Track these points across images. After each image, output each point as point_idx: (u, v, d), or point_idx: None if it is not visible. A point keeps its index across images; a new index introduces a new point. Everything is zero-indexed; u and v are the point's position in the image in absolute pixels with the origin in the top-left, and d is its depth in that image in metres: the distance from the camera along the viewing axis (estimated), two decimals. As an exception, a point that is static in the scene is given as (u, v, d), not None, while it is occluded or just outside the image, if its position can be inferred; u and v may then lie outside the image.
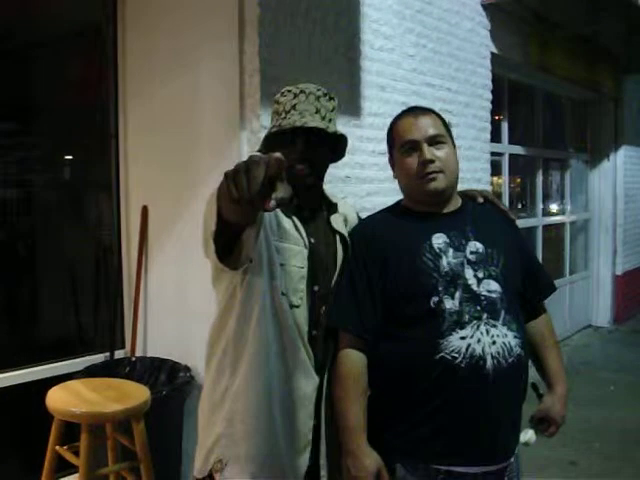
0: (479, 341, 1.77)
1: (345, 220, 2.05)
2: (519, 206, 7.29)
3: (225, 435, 1.85)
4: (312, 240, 1.91)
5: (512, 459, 1.91)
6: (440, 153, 1.88)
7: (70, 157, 3.77)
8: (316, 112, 1.87)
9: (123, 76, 3.66)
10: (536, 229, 7.29)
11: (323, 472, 1.92)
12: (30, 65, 3.54)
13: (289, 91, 1.92)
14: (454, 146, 1.96)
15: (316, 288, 1.91)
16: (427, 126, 1.90)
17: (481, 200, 2.06)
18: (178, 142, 3.42)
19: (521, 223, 6.97)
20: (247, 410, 1.83)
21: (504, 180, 6.58)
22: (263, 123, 3.11)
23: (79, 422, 2.59)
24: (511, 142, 6.68)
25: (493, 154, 5.74)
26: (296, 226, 1.89)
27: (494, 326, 1.80)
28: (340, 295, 1.91)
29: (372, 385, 1.89)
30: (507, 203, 6.50)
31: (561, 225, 8.05)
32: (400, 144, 1.92)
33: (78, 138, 3.68)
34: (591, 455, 4.40)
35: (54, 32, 3.59)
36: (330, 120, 1.92)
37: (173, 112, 3.44)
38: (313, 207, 1.99)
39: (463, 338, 1.77)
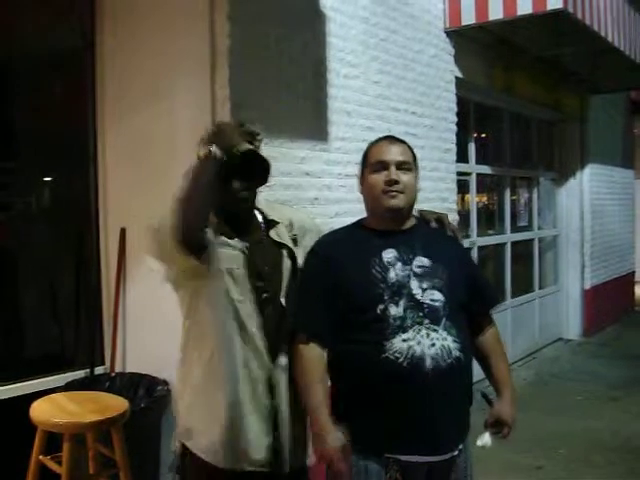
0: (419, 343, 2.00)
1: (291, 225, 2.30)
2: (487, 223, 7.48)
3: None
4: (247, 246, 2.16)
5: (456, 453, 2.11)
6: (404, 177, 2.14)
7: (50, 179, 3.88)
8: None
9: (102, 101, 3.80)
10: (505, 245, 7.49)
11: (285, 450, 2.15)
12: (11, 89, 3.65)
13: None
14: (417, 175, 2.22)
15: (259, 284, 2.15)
16: (398, 152, 2.18)
17: (434, 225, 2.31)
18: (154, 166, 3.58)
19: (490, 240, 7.21)
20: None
21: (471, 199, 6.78)
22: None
23: (61, 432, 2.71)
24: (478, 162, 6.87)
25: (460, 174, 5.96)
26: (230, 238, 2.16)
27: (435, 330, 2.04)
28: (298, 304, 2.15)
29: (332, 383, 2.13)
30: (475, 221, 6.72)
31: (530, 241, 8.26)
32: (372, 163, 2.18)
33: (58, 161, 3.81)
34: (556, 460, 4.57)
35: (35, 56, 3.71)
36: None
37: (150, 137, 3.61)
38: (246, 226, 2.23)
39: (405, 340, 2.00)
